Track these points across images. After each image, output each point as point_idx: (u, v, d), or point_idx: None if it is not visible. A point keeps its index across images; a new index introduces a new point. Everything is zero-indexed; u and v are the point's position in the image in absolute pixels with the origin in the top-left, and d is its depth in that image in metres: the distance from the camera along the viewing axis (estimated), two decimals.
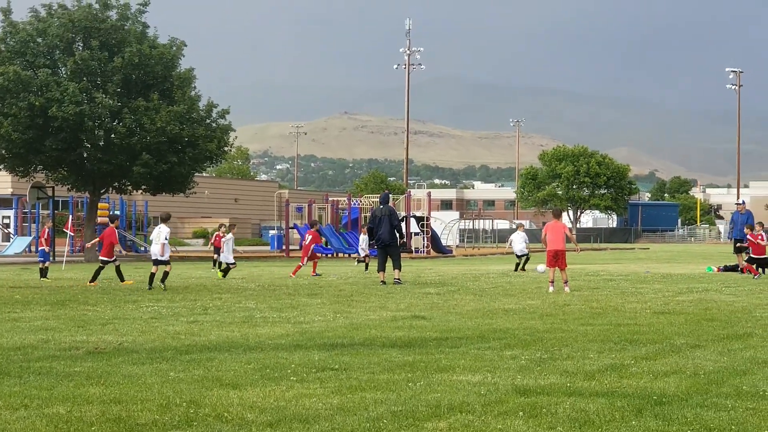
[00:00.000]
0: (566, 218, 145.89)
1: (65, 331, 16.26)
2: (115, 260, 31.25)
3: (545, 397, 9.88)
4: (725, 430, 8.37)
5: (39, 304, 21.91)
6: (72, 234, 47.11)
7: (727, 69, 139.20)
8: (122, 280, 30.62)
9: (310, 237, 36.16)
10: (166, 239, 28.08)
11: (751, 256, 34.08)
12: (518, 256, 39.77)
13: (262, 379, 11.14)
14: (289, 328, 16.73)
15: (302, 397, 9.98)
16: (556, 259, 26.14)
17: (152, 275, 27.80)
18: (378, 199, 32.43)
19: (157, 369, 11.89)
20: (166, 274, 27.61)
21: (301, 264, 35.79)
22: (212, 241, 43.38)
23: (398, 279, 29.44)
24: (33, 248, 71.10)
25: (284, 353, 13.30)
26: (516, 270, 38.50)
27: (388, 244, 29.89)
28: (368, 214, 70.41)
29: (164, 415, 9.04)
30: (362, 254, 43.59)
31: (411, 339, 14.96)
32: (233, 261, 34.60)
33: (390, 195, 34.44)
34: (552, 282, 26.13)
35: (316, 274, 35.07)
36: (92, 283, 29.88)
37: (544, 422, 8.69)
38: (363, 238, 43.21)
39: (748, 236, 34.25)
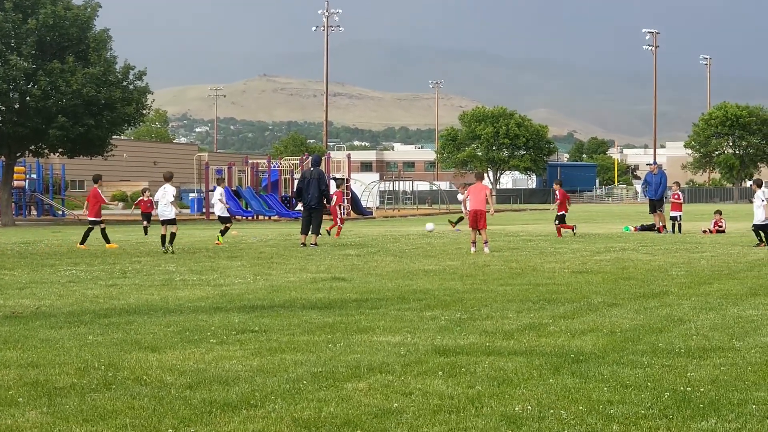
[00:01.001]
0: (487, 180, 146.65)
1: None
2: (101, 222, 30.94)
3: (464, 357, 9.96)
4: (641, 387, 8.50)
5: None
6: None
7: (643, 30, 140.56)
8: (108, 242, 30.22)
9: (335, 197, 37.27)
10: (173, 197, 27.75)
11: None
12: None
13: (181, 341, 11.11)
14: (209, 290, 16.68)
15: (222, 359, 9.97)
16: (477, 220, 26.29)
17: (163, 236, 27.43)
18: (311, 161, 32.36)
19: (75, 333, 11.80)
20: (173, 235, 27.19)
21: (339, 224, 36.89)
22: (137, 204, 42.08)
23: (315, 244, 29.38)
24: None
25: (204, 316, 13.27)
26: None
27: (314, 207, 29.81)
28: (288, 177, 70.33)
29: (82, 378, 8.99)
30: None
31: (331, 301, 14.99)
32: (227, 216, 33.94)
33: (321, 158, 34.19)
34: (474, 243, 26.28)
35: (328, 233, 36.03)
36: (82, 246, 29.66)
37: (463, 381, 8.76)
38: None
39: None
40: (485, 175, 31.04)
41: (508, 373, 9.07)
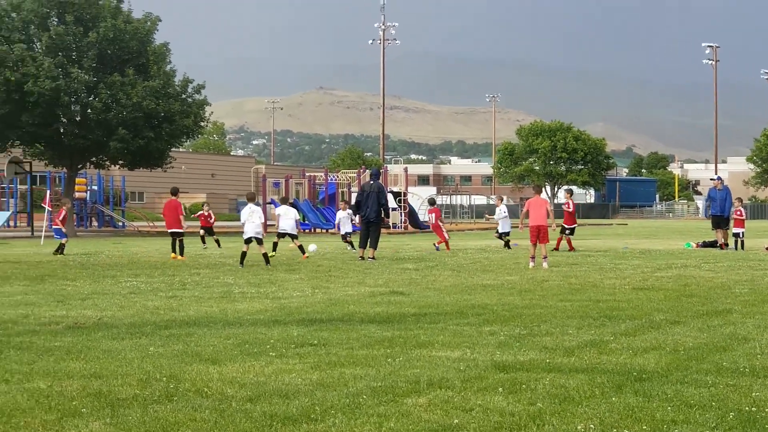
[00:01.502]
0: (544, 194, 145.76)
1: (45, 305, 16.22)
2: (181, 233, 31.27)
3: (524, 373, 9.90)
4: (705, 407, 8.40)
5: (18, 279, 21.85)
6: (50, 209, 46.89)
7: (703, 44, 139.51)
8: (178, 253, 30.55)
9: (434, 215, 37.96)
10: (261, 219, 27.73)
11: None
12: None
13: (241, 354, 11.13)
14: (267, 303, 16.72)
15: (282, 372, 9.98)
16: (539, 235, 26.18)
17: (265, 254, 27.24)
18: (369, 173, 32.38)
19: (137, 344, 11.87)
20: (266, 255, 27.09)
21: (446, 238, 36.76)
22: (197, 217, 42.51)
23: (372, 257, 29.34)
24: (11, 223, 70.93)
25: (263, 329, 13.30)
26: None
27: (372, 221, 29.79)
28: (346, 189, 70.44)
29: (144, 389, 9.04)
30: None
31: (390, 315, 14.97)
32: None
33: (380, 171, 34.28)
34: (533, 258, 26.16)
35: (437, 248, 36.11)
36: (182, 257, 30.07)
37: (524, 398, 8.71)
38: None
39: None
40: (543, 188, 31.02)
41: (569, 391, 9.00)
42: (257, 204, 28.03)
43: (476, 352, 11.25)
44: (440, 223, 37.56)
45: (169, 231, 31.52)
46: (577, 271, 24.50)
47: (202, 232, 39.89)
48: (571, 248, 35.32)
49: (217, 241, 38.95)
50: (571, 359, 10.82)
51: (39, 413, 8.07)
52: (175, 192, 32.11)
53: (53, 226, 36.23)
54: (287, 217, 31.38)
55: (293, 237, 31.73)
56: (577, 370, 10.13)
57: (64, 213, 35.91)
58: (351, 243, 37.69)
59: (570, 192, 39.10)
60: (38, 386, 9.16)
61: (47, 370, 10.05)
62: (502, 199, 42.06)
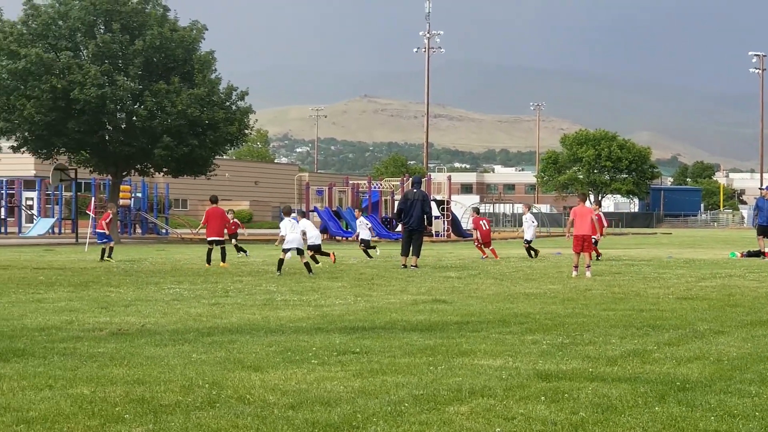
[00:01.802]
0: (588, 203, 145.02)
1: (88, 312, 16.33)
2: (224, 240, 31.30)
3: (567, 382, 9.86)
4: (749, 417, 8.34)
5: (62, 286, 22.02)
6: (94, 216, 47.17)
7: (750, 53, 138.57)
8: (224, 261, 30.57)
9: (477, 223, 37.86)
10: (303, 230, 27.71)
11: None
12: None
13: (283, 361, 11.15)
14: (309, 311, 16.75)
15: (324, 380, 9.99)
16: (583, 245, 26.06)
17: (306, 264, 26.80)
18: (411, 181, 32.17)
19: (180, 350, 11.93)
20: (307, 264, 26.79)
21: (491, 249, 37.02)
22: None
23: (415, 265, 29.30)
24: (56, 230, 71.51)
25: (305, 336, 13.32)
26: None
27: (416, 229, 29.73)
28: (389, 197, 70.45)
29: (187, 396, 9.07)
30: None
31: (432, 323, 14.95)
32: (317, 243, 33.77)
33: (422, 179, 34.22)
34: (576, 267, 26.05)
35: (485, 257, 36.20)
36: (224, 264, 30.07)
37: (567, 407, 8.67)
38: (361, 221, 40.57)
39: None
40: (588, 197, 30.65)
41: (612, 400, 8.95)
42: (294, 218, 27.59)
43: (518, 361, 11.22)
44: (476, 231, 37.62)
45: (209, 239, 31.13)
46: (621, 281, 24.37)
47: (234, 241, 39.17)
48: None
49: (237, 248, 38.20)
50: (614, 368, 10.76)
51: (82, 419, 8.12)
52: (215, 200, 31.89)
53: (97, 230, 36.19)
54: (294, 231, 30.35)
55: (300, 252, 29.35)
56: (620, 379, 10.08)
57: (110, 217, 35.97)
58: (367, 252, 37.55)
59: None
60: (82, 392, 9.22)
61: (91, 376, 10.11)
62: (529, 207, 41.80)
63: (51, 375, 10.11)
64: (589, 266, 26.09)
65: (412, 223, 29.65)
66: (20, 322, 14.80)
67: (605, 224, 35.89)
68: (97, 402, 8.76)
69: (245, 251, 38.23)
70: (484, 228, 37.62)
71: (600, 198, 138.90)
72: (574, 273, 25.86)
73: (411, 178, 33.30)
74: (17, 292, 20.09)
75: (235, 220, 39.80)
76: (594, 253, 35.86)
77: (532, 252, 37.09)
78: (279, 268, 26.79)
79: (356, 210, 40.57)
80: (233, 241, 38.47)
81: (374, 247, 39.22)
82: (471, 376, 10.22)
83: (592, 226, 26.64)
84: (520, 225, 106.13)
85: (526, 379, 10.02)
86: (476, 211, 41.27)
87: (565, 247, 36.88)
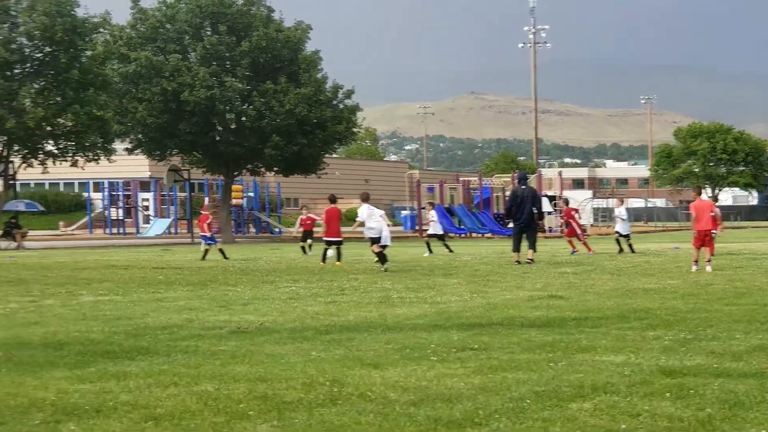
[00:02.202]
0: (703, 196, 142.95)
1: (208, 310, 16.54)
2: (341, 241, 31.38)
3: (692, 378, 9.70)
4: None
5: (181, 285, 22.34)
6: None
7: None
8: (339, 260, 30.67)
9: (569, 214, 38.02)
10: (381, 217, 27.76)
11: None
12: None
13: (402, 359, 11.15)
14: (426, 308, 16.74)
15: (443, 376, 9.95)
16: (704, 240, 25.60)
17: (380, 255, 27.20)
18: (517, 179, 31.93)
19: (299, 348, 12.00)
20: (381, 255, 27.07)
21: (585, 243, 37.03)
22: (297, 224, 39.90)
23: (531, 259, 29.18)
24: (173, 230, 72.66)
25: (423, 333, 13.30)
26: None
27: (527, 225, 29.62)
28: (500, 194, 70.22)
29: (309, 393, 9.12)
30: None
31: (549, 319, 14.84)
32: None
33: (527, 175, 34.02)
34: (696, 261, 25.64)
35: (574, 252, 36.17)
36: (338, 263, 30.12)
37: (692, 403, 8.53)
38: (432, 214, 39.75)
39: None
40: (702, 190, 30.08)
41: (739, 396, 8.78)
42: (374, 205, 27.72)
43: (641, 357, 11.07)
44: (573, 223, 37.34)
45: (326, 239, 31.15)
46: (742, 275, 23.93)
47: (305, 242, 38.18)
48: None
49: (309, 247, 37.68)
50: (739, 364, 10.56)
51: (208, 415, 8.21)
52: (333, 200, 31.69)
53: (201, 233, 36.48)
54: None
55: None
56: (746, 375, 9.89)
57: (209, 219, 36.01)
58: (447, 246, 37.27)
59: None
60: (206, 389, 9.33)
61: (214, 373, 10.22)
62: (622, 201, 40.98)
63: (175, 372, 10.25)
64: (709, 261, 25.66)
65: (523, 220, 29.52)
66: (143, 320, 15.05)
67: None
68: (221, 399, 8.85)
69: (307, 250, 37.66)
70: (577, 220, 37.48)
71: (717, 191, 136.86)
72: (694, 267, 25.44)
73: (517, 175, 33.13)
74: (138, 292, 20.44)
75: (310, 215, 38.96)
76: (628, 247, 35.61)
77: (626, 247, 36.50)
78: (382, 262, 26.81)
79: (427, 204, 39.91)
80: (309, 240, 38.12)
81: (444, 243, 38.36)
82: (593, 372, 10.11)
83: (712, 219, 26.19)
84: (636, 220, 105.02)
85: (650, 375, 9.87)
86: (566, 202, 40.63)
87: (682, 241, 36.39)
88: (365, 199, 28.12)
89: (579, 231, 37.31)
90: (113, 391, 9.23)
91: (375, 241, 27.45)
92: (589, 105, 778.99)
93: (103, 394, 9.11)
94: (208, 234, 35.52)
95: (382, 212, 28.32)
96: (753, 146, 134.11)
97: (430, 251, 35.85)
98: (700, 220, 25.74)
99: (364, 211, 27.67)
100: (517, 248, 29.62)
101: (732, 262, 29.32)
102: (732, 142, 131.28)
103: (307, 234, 38.10)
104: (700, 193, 27.18)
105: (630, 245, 36.90)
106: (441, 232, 38.21)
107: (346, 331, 13.60)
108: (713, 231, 27.63)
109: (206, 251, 34.81)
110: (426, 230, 39.45)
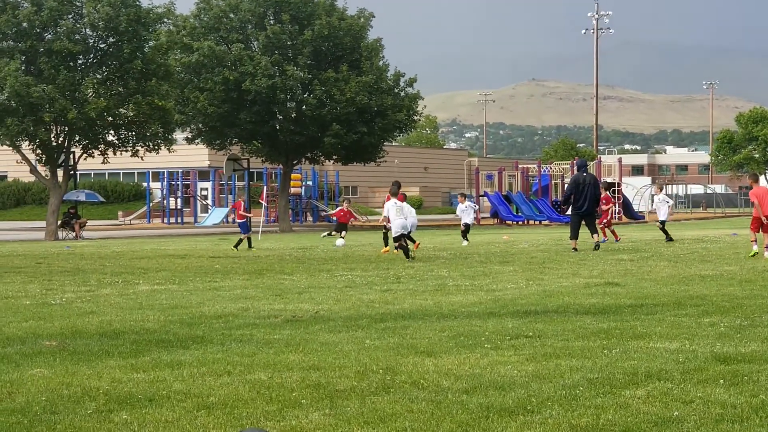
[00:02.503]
0: (764, 181, 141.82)
1: (263, 299, 16.63)
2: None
3: (746, 365, 9.64)
4: None
5: (238, 274, 22.48)
6: (266, 204, 47.99)
7: None
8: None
9: (609, 199, 37.62)
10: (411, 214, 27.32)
11: None
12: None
13: (456, 346, 11.16)
14: (481, 295, 16.73)
15: (497, 364, 9.96)
16: (762, 225, 25.24)
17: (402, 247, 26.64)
18: (576, 166, 31.41)
19: (353, 337, 12.05)
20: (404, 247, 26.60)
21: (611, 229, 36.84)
22: (336, 214, 39.22)
23: (598, 243, 29.17)
24: (230, 219, 73.11)
25: (477, 321, 13.31)
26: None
27: (589, 213, 29.53)
28: (558, 181, 69.92)
29: (362, 381, 9.16)
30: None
31: (605, 306, 14.79)
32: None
33: (587, 162, 33.67)
34: (754, 241, 25.33)
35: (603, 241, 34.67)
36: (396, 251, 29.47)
37: (746, 390, 8.48)
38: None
39: None
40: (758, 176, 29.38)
41: None
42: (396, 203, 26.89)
43: (695, 344, 11.01)
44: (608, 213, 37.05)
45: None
46: None
47: (341, 232, 37.55)
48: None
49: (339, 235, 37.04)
50: None
51: (260, 404, 8.28)
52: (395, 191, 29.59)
53: (237, 220, 36.06)
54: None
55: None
56: None
57: (243, 206, 35.49)
58: (465, 236, 35.53)
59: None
60: (259, 378, 9.40)
61: (267, 362, 10.30)
62: (661, 188, 40.33)
63: (229, 361, 10.33)
64: None
65: (586, 207, 29.40)
66: (198, 309, 15.17)
67: None
68: (274, 387, 8.91)
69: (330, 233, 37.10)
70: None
71: None
72: (755, 247, 25.14)
73: (576, 162, 32.77)
74: (194, 281, 20.59)
75: (350, 209, 38.22)
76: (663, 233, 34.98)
77: (667, 234, 35.63)
78: (407, 255, 26.17)
79: (459, 195, 38.23)
80: (343, 233, 37.52)
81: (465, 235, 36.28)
82: (647, 359, 10.07)
83: None
84: (695, 206, 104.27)
85: (704, 362, 9.82)
86: (606, 187, 39.28)
87: (741, 228, 36.02)
88: (394, 193, 27.62)
89: (606, 218, 36.62)
90: (166, 380, 9.33)
91: (397, 238, 26.74)
92: (651, 91, 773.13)
93: (156, 383, 9.22)
94: (243, 220, 35.12)
95: (410, 209, 27.45)
96: None
97: (467, 240, 34.92)
98: (764, 205, 25.30)
99: (391, 207, 26.89)
100: (575, 235, 29.50)
101: None
102: None
103: (342, 226, 38.06)
104: (757, 180, 26.84)
105: (665, 231, 35.91)
106: (469, 223, 36.51)
107: (400, 319, 13.64)
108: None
109: (241, 240, 33.98)
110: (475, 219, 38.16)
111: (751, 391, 8.42)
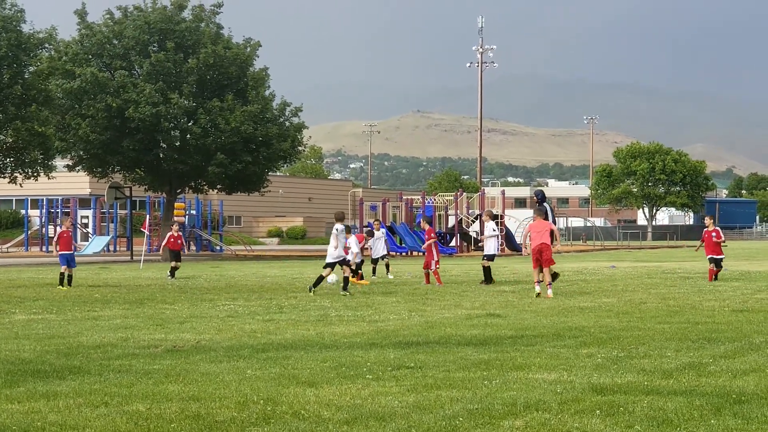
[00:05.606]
0: (641, 215, 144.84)
1: (144, 329, 16.44)
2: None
3: (622, 396, 9.81)
4: None
5: (118, 303, 22.18)
6: (149, 234, 47.46)
7: None
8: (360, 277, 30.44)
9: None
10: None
11: None
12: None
13: (338, 377, 11.17)
14: (364, 326, 16.76)
15: (378, 395, 9.99)
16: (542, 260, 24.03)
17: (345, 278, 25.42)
18: (538, 199, 30.20)
19: (235, 367, 11.98)
20: (345, 279, 25.43)
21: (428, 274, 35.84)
22: (168, 239, 38.03)
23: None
24: (111, 247, 72.07)
25: (360, 351, 13.33)
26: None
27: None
28: (443, 213, 70.37)
29: (242, 412, 9.11)
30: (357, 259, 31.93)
31: (486, 337, 14.92)
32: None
33: (544, 193, 32.17)
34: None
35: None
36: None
37: (622, 421, 8.62)
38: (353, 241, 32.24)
39: None
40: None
41: (667, 413, 8.89)
42: (345, 225, 26.32)
43: (573, 375, 11.17)
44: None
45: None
46: (676, 293, 24.22)
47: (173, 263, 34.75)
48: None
49: (173, 270, 34.14)
50: (669, 381, 10.70)
51: None
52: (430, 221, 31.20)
53: (170, 249, 34.95)
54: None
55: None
56: (675, 392, 10.01)
57: (171, 235, 34.77)
58: (387, 266, 34.96)
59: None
60: (137, 409, 9.29)
61: (146, 392, 10.18)
62: (491, 217, 37.61)
63: (107, 392, 10.19)
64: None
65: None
66: (76, 339, 14.93)
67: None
68: (152, 419, 8.82)
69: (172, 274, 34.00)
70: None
71: (655, 211, 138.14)
72: (537, 288, 23.72)
73: (536, 194, 31.42)
74: (73, 310, 20.27)
75: (180, 233, 36.17)
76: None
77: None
78: (315, 284, 25.06)
79: (375, 221, 37.30)
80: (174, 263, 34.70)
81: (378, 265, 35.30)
82: (526, 390, 10.19)
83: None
84: (575, 239, 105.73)
85: (581, 393, 9.97)
86: (491, 217, 37.30)
87: (619, 260, 36.53)
88: (340, 219, 26.59)
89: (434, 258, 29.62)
90: (41, 411, 9.17)
91: (331, 265, 25.72)
92: (533, 124, 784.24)
93: (31, 414, 9.05)
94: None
95: (354, 240, 27.64)
96: (691, 167, 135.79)
97: (374, 274, 34.35)
98: (534, 240, 24.43)
99: (332, 237, 25.75)
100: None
101: (666, 281, 29.63)
102: (671, 163, 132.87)
103: (175, 254, 35.01)
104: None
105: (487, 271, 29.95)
106: (380, 255, 35.80)
107: (282, 350, 13.60)
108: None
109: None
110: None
111: (627, 422, 8.56)
